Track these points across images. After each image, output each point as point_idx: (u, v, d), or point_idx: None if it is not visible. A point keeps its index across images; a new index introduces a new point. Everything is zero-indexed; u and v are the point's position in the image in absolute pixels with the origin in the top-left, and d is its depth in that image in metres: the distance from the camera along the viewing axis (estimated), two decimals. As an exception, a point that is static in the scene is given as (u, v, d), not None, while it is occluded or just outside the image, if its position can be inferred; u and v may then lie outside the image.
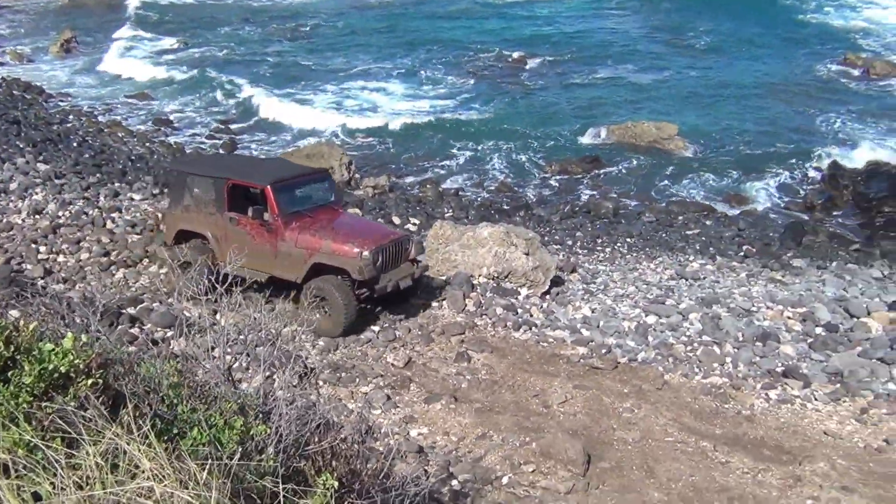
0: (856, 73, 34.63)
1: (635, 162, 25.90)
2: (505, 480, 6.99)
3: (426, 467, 7.06)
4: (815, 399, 9.43)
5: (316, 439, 4.49)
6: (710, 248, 18.69)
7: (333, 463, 4.46)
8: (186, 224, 12.51)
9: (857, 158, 24.80)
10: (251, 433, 3.90)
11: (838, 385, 9.85)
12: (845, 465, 7.38)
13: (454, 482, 6.88)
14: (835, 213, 22.25)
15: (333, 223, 11.92)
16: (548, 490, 6.80)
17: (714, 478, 7.17)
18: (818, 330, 12.15)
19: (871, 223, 21.26)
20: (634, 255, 17.83)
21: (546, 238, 18.39)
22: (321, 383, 9.65)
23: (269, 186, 11.51)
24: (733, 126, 28.85)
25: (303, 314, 10.48)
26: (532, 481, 6.95)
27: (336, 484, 3.58)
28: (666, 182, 24.57)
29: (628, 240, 19.16)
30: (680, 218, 21.58)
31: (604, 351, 11.22)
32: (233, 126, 29.73)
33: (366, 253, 11.06)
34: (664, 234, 19.97)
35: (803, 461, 7.44)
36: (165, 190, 16.31)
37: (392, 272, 11.64)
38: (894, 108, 29.95)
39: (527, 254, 13.84)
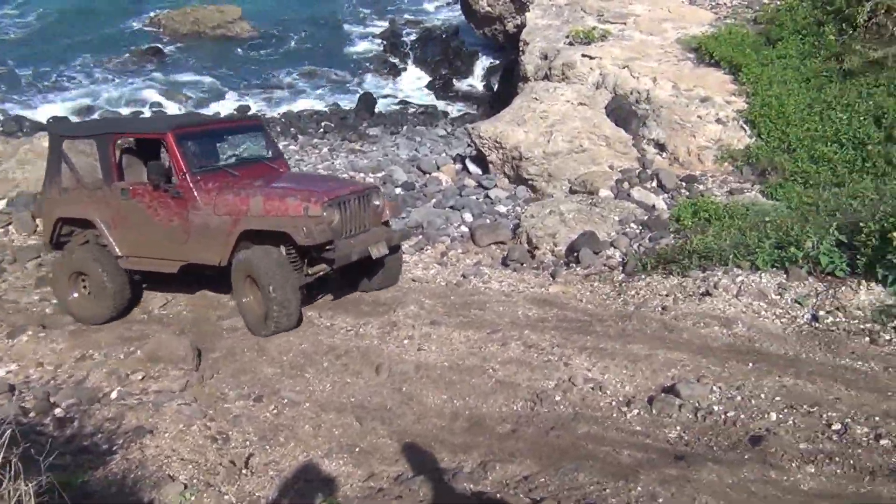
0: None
1: (202, 51, 24.56)
2: (114, 395, 6.54)
3: (22, 405, 6.28)
4: (404, 252, 9.95)
5: None
6: (292, 129, 18.65)
7: None
8: (66, 209, 8.62)
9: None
10: None
11: (420, 236, 10.56)
12: (432, 304, 8.03)
13: (57, 410, 6.26)
14: (398, 79, 23.55)
15: (268, 179, 8.30)
16: (161, 392, 6.55)
17: (321, 341, 7.32)
18: (398, 190, 12.83)
19: (433, 84, 22.90)
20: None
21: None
22: None
23: (170, 133, 7.89)
24: (292, 5, 28.73)
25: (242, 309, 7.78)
26: (143, 388, 6.72)
27: None
28: (232, 70, 23.72)
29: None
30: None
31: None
32: None
33: (314, 207, 7.44)
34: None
35: (397, 308, 7.92)
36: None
37: (358, 237, 8.00)
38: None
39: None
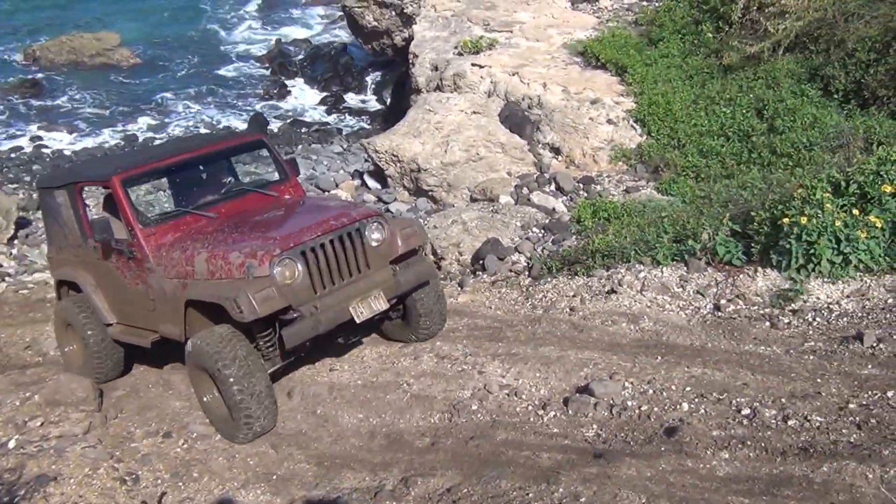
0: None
1: (82, 81, 23.53)
2: (12, 444, 6.16)
3: None
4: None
5: None
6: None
7: None
8: (61, 271, 7.61)
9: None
10: None
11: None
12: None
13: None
14: (288, 98, 23.19)
15: (245, 219, 6.43)
16: (63, 437, 6.26)
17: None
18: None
19: (325, 101, 22.65)
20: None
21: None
22: None
23: (114, 179, 6.38)
24: (173, 29, 28.01)
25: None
26: (44, 434, 6.35)
27: None
28: (116, 98, 22.86)
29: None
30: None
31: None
32: None
33: (259, 264, 5.54)
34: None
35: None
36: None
37: (341, 292, 5.96)
38: None
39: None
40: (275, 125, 20.64)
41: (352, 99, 22.49)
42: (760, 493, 4.04)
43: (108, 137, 20.12)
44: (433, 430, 5.57)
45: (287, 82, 23.86)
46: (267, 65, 25.23)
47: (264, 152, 7.51)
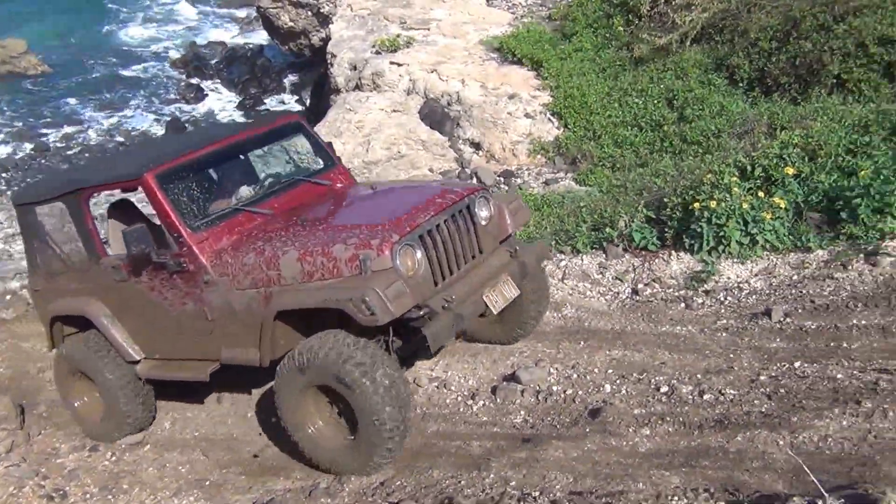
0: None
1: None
2: None
3: None
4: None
5: None
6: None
7: None
8: (59, 304, 6.18)
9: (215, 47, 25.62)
10: None
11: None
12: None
13: None
14: (205, 102, 22.78)
15: (317, 212, 5.48)
16: None
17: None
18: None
19: (244, 104, 22.34)
20: None
21: None
22: None
23: (147, 176, 5.19)
24: (80, 32, 27.15)
25: None
26: None
27: None
28: (24, 107, 22.06)
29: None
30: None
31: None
32: None
33: (381, 255, 4.64)
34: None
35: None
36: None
37: (464, 282, 5.11)
38: None
39: None
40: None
41: (270, 101, 22.23)
42: (680, 466, 4.21)
43: (18, 150, 19.40)
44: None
45: (203, 85, 23.44)
46: (182, 68, 24.71)
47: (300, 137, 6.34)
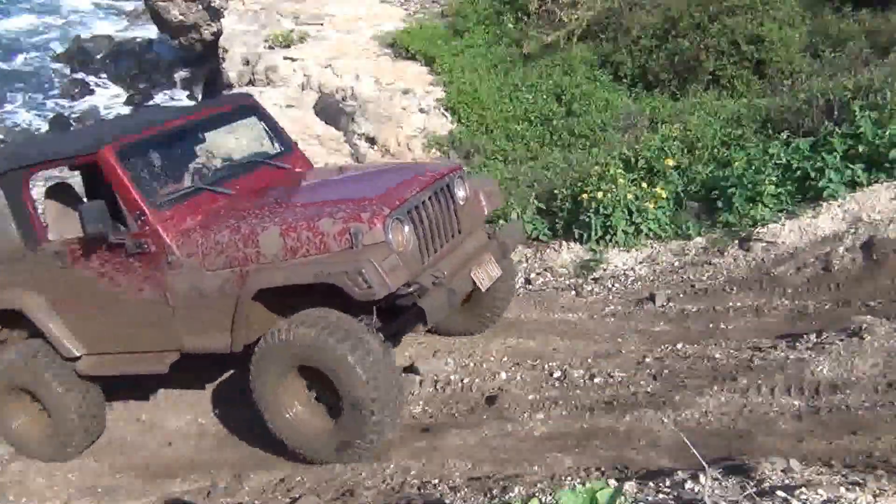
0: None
1: None
2: None
3: None
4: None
5: None
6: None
7: None
8: None
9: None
10: None
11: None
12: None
13: None
14: (90, 97, 21.88)
15: (283, 192, 5.33)
16: None
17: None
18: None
19: (132, 100, 21.57)
20: None
21: None
22: None
23: (106, 150, 4.85)
24: None
25: None
26: None
27: None
28: None
29: None
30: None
31: None
32: None
33: (373, 227, 4.48)
34: None
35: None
36: None
37: (448, 261, 4.99)
38: None
39: None
40: (78, 126, 19.42)
41: (161, 96, 21.52)
42: (573, 447, 4.40)
43: None
44: (264, 424, 5.56)
45: (88, 80, 22.46)
46: (65, 62, 23.61)
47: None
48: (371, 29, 13.67)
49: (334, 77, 12.13)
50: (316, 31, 13.56)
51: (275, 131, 6.05)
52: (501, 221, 6.61)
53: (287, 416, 4.69)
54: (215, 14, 18.07)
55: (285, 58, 12.59)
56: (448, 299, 4.62)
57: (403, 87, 11.70)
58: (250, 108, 6.07)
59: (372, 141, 11.41)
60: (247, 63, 13.21)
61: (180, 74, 22.25)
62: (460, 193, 5.18)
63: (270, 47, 13.05)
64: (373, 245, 4.40)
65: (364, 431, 4.45)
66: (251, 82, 12.82)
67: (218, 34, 15.50)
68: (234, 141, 6.32)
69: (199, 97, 19.82)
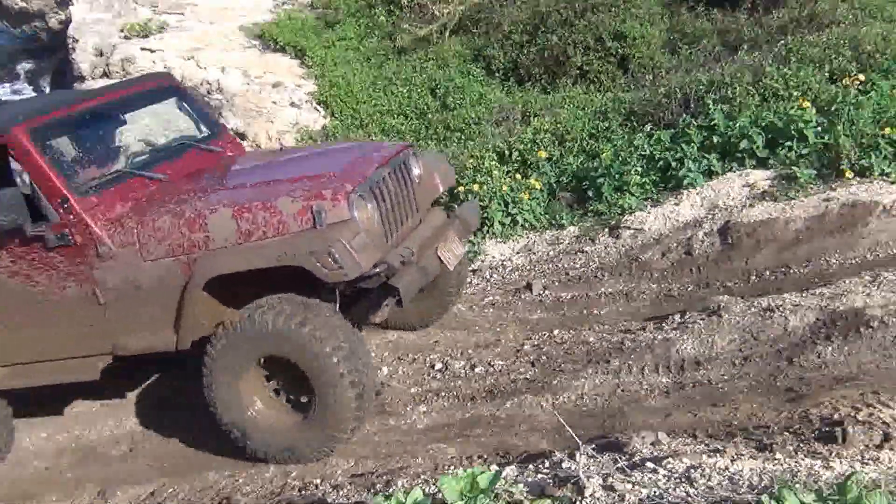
0: None
1: None
2: None
3: None
4: None
5: None
6: None
7: None
8: None
9: None
10: None
11: None
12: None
13: None
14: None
15: (223, 175, 4.94)
16: None
17: None
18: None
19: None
20: None
21: None
22: None
23: (17, 131, 4.25)
24: None
25: None
26: None
27: None
28: None
29: None
30: None
31: None
32: None
33: (336, 205, 4.14)
34: None
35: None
36: None
37: (409, 239, 4.74)
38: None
39: None
40: None
41: (2, 90, 20.06)
42: (455, 437, 4.39)
43: None
44: (129, 436, 5.24)
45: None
46: None
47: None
48: (237, 19, 13.22)
49: (198, 69, 11.65)
50: (177, 20, 12.99)
51: (200, 114, 5.70)
52: (456, 203, 6.34)
53: (248, 414, 4.33)
54: (63, 1, 17.01)
55: (143, 49, 11.98)
56: (420, 277, 4.47)
57: (273, 80, 11.39)
58: (172, 88, 5.71)
59: (241, 136, 11.01)
60: (100, 54, 12.48)
61: (24, 66, 20.79)
62: (415, 171, 4.99)
63: (126, 37, 12.39)
64: (338, 223, 4.13)
65: (344, 421, 4.19)
66: (105, 74, 12.11)
67: (66, 23, 14.58)
68: (154, 124, 5.76)
69: (48, 90, 18.59)
